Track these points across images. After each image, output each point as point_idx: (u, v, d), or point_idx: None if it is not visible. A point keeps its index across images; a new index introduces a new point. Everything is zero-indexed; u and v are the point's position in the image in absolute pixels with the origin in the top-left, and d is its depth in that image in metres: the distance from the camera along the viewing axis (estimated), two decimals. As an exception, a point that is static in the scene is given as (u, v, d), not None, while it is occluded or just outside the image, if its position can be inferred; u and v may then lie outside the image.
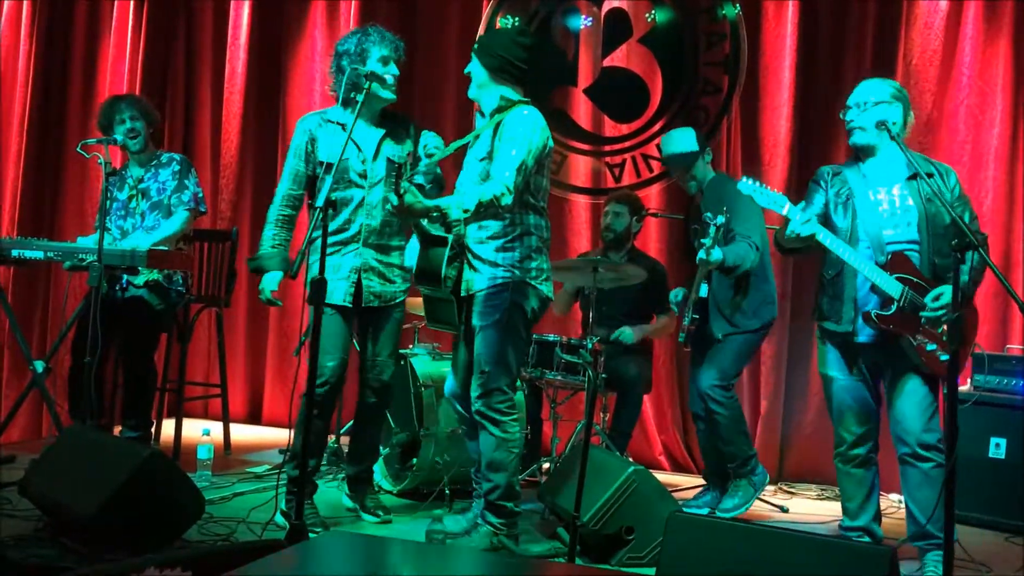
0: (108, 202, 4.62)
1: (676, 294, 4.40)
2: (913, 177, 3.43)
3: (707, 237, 3.91)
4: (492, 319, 3.41)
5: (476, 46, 3.58)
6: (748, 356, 4.37)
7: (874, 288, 3.38)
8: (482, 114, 3.61)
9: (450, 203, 3.22)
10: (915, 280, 3.36)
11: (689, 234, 4.49)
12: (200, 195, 4.63)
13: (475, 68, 3.56)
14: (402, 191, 3.13)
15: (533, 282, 3.46)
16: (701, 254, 3.96)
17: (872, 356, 3.51)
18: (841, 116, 3.55)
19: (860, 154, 3.54)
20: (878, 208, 3.46)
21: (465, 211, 3.21)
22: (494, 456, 3.43)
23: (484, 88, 3.54)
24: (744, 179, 3.50)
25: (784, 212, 3.37)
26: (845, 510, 3.62)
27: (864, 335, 3.45)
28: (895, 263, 3.38)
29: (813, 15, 5.26)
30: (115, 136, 4.53)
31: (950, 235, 3.20)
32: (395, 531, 3.75)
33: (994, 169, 4.90)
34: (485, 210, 3.26)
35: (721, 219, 3.97)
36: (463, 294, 3.47)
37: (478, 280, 3.44)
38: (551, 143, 3.51)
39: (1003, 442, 4.32)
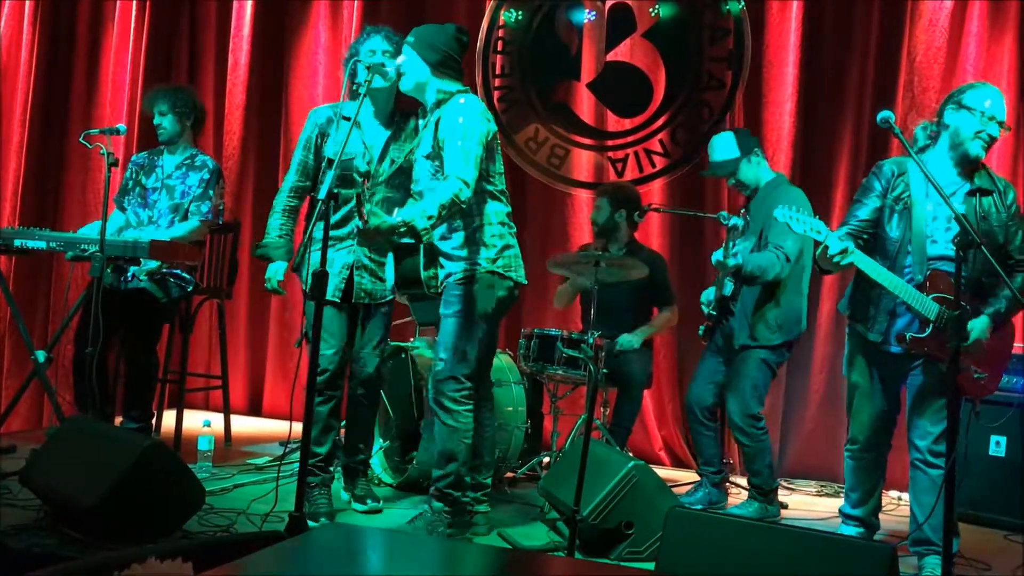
0: (132, 185, 4.62)
1: (708, 294, 4.33)
2: (973, 193, 3.35)
3: (722, 249, 3.89)
4: (454, 309, 3.46)
5: (411, 39, 3.55)
6: (770, 373, 4.21)
7: (911, 309, 3.31)
8: (423, 112, 3.61)
9: (413, 214, 3.21)
10: (952, 299, 3.24)
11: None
12: (220, 207, 4.64)
13: (412, 62, 3.53)
14: (366, 214, 3.11)
15: (500, 271, 3.48)
16: (718, 255, 3.93)
17: (900, 364, 3.47)
18: (1002, 127, 3.35)
19: (966, 166, 3.37)
20: (931, 219, 3.36)
21: (429, 218, 3.21)
22: (446, 446, 3.48)
23: (422, 83, 3.53)
24: (781, 207, 3.39)
25: (822, 239, 3.26)
26: (846, 495, 3.67)
27: (895, 347, 3.42)
28: (933, 281, 3.30)
29: (817, 11, 5.25)
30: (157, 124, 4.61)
31: (1001, 255, 3.18)
32: (392, 523, 3.76)
33: (997, 168, 4.88)
34: (448, 210, 3.27)
35: (736, 220, 3.94)
36: (439, 290, 3.52)
37: (443, 273, 3.51)
38: (494, 127, 3.51)
39: (1003, 440, 4.31)
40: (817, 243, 3.32)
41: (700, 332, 4.33)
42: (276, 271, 3.80)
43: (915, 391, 3.46)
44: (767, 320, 4.11)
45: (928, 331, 3.29)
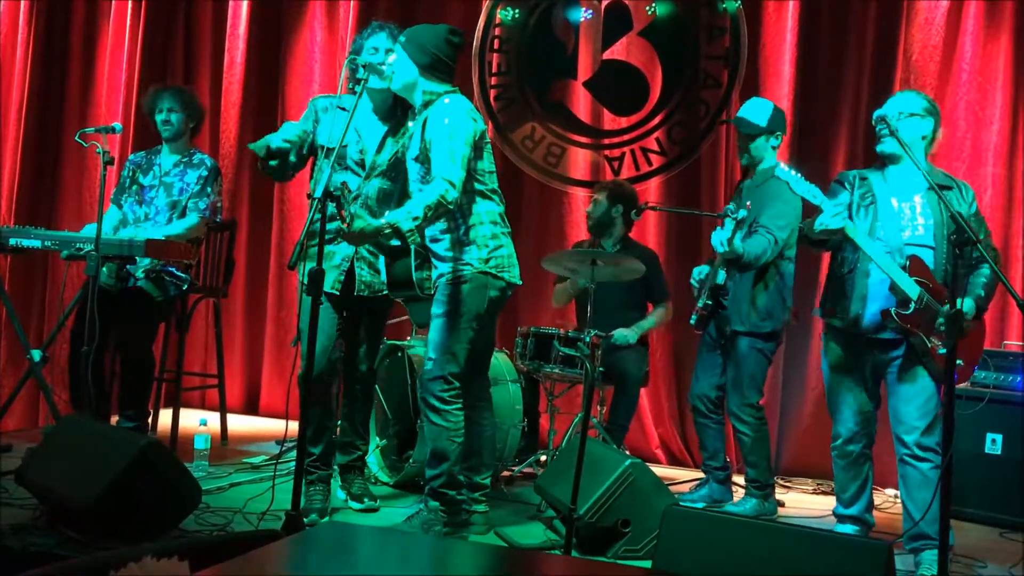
0: (129, 184, 4.62)
1: (700, 271, 4.34)
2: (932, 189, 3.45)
3: (726, 229, 3.89)
4: (444, 309, 3.45)
5: (403, 39, 3.52)
6: (766, 362, 4.24)
7: (892, 288, 3.40)
8: (413, 114, 3.59)
9: (398, 217, 3.20)
10: (929, 285, 3.40)
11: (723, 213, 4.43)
12: (219, 205, 4.64)
13: (402, 63, 3.50)
14: (347, 217, 3.10)
15: (492, 271, 3.47)
16: (721, 243, 3.91)
17: (876, 355, 3.54)
18: (872, 123, 3.53)
19: (886, 161, 3.58)
20: (898, 214, 3.51)
21: (415, 219, 3.19)
22: (437, 445, 3.46)
23: (410, 84, 3.50)
24: (783, 165, 3.50)
25: (817, 203, 3.40)
26: (838, 497, 3.71)
27: (869, 332, 3.49)
28: (912, 267, 3.41)
29: (814, 10, 5.26)
30: (157, 122, 4.60)
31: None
32: (388, 521, 3.76)
33: (993, 165, 4.91)
34: (435, 212, 3.25)
35: (743, 213, 3.95)
36: (432, 291, 3.51)
37: (436, 274, 3.51)
38: (482, 125, 3.48)
39: (999, 438, 4.32)
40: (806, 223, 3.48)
41: (692, 321, 4.32)
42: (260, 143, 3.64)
43: (896, 388, 3.50)
44: (757, 307, 4.14)
45: (911, 309, 3.38)
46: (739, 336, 4.17)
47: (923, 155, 3.53)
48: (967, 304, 3.41)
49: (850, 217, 3.54)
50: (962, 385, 4.43)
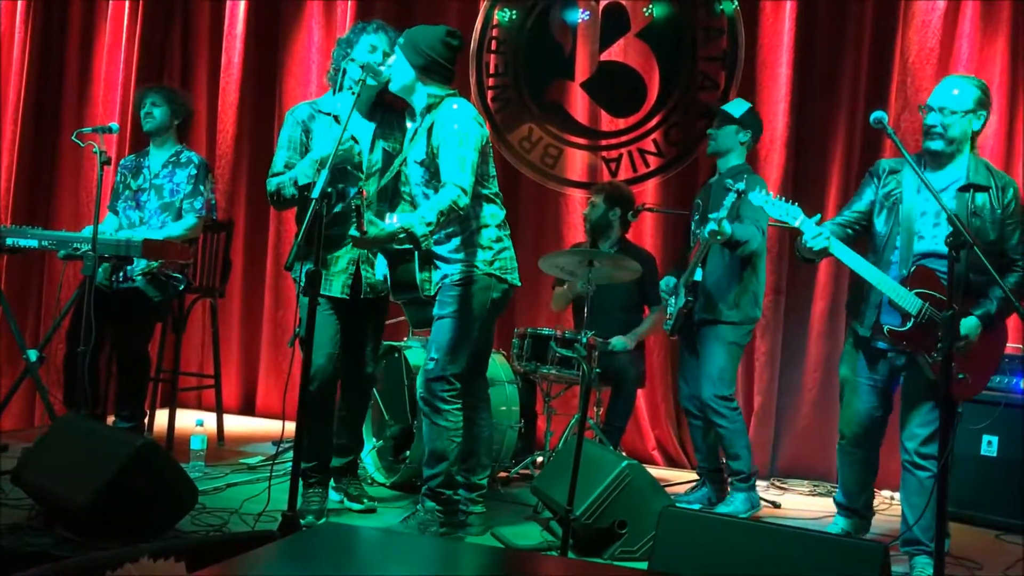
0: (122, 189, 4.62)
1: (667, 282, 4.37)
2: (966, 188, 3.32)
3: (722, 208, 3.88)
4: (450, 310, 3.46)
5: (401, 40, 3.53)
6: (736, 355, 4.24)
7: (891, 302, 3.30)
8: (412, 115, 3.59)
9: (412, 221, 3.23)
10: (938, 296, 3.23)
11: (693, 210, 4.44)
12: (213, 202, 4.64)
13: (400, 64, 3.50)
14: (365, 225, 3.13)
15: (497, 273, 3.49)
16: (712, 226, 3.89)
17: (892, 362, 3.48)
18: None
19: (928, 158, 3.41)
20: (920, 215, 3.36)
21: (428, 224, 3.23)
22: (435, 445, 3.47)
23: (408, 86, 3.51)
24: (757, 190, 3.46)
25: (797, 225, 3.31)
26: (840, 487, 3.71)
27: (884, 342, 3.43)
28: (918, 277, 3.29)
29: (811, 11, 5.26)
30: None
31: (992, 253, 3.15)
32: (385, 522, 3.75)
33: (988, 166, 4.91)
34: (446, 217, 3.29)
35: (741, 185, 3.93)
36: (433, 292, 3.52)
37: (438, 275, 3.51)
38: (486, 131, 3.51)
39: (995, 440, 4.33)
40: (794, 231, 3.38)
41: (667, 328, 4.33)
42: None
43: (904, 394, 3.48)
44: (727, 297, 4.15)
45: (908, 325, 3.28)
46: (706, 325, 4.18)
47: (970, 150, 3.39)
48: (970, 321, 3.27)
49: (871, 215, 3.47)
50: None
